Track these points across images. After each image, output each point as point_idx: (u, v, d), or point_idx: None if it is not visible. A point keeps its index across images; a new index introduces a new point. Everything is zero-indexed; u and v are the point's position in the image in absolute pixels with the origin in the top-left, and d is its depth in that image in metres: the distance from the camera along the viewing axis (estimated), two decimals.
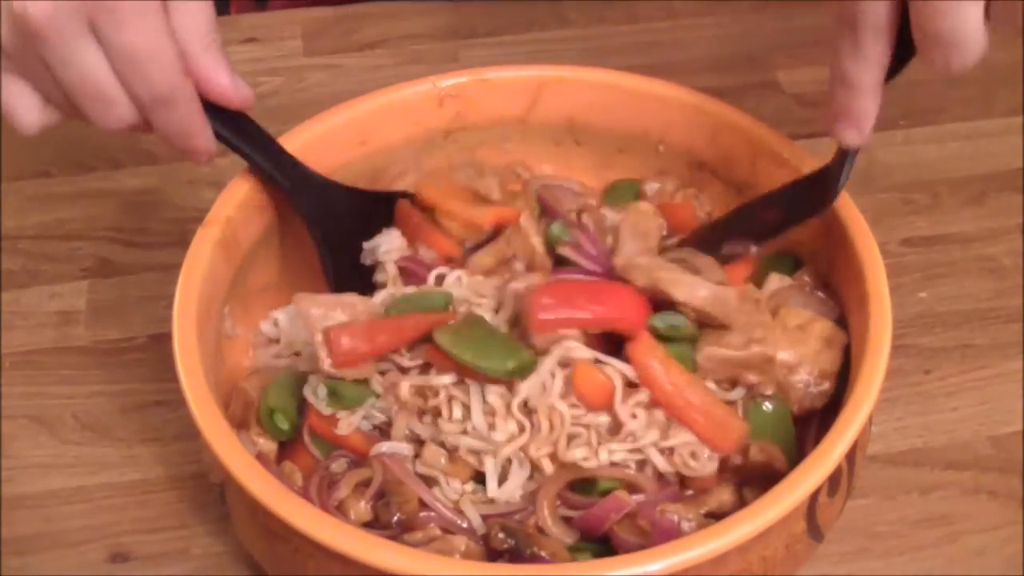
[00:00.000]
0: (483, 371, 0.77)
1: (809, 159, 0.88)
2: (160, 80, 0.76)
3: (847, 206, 0.84)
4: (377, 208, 0.93)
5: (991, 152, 1.15)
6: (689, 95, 0.94)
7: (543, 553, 0.74)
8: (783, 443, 0.81)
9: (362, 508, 0.79)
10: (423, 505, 0.78)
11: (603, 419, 0.79)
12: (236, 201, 0.87)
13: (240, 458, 0.72)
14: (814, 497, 0.73)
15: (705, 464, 0.78)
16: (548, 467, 0.78)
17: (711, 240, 0.90)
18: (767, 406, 0.82)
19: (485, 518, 0.78)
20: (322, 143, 0.92)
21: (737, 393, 0.83)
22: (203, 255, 0.83)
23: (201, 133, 0.81)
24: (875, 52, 0.76)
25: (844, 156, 0.82)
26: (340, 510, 0.79)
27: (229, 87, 0.81)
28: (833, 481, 0.74)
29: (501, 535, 0.75)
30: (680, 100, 0.94)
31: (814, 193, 0.85)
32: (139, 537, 0.88)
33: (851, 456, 0.76)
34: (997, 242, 1.07)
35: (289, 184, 0.88)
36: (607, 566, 0.68)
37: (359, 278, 0.90)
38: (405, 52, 1.28)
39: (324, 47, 1.29)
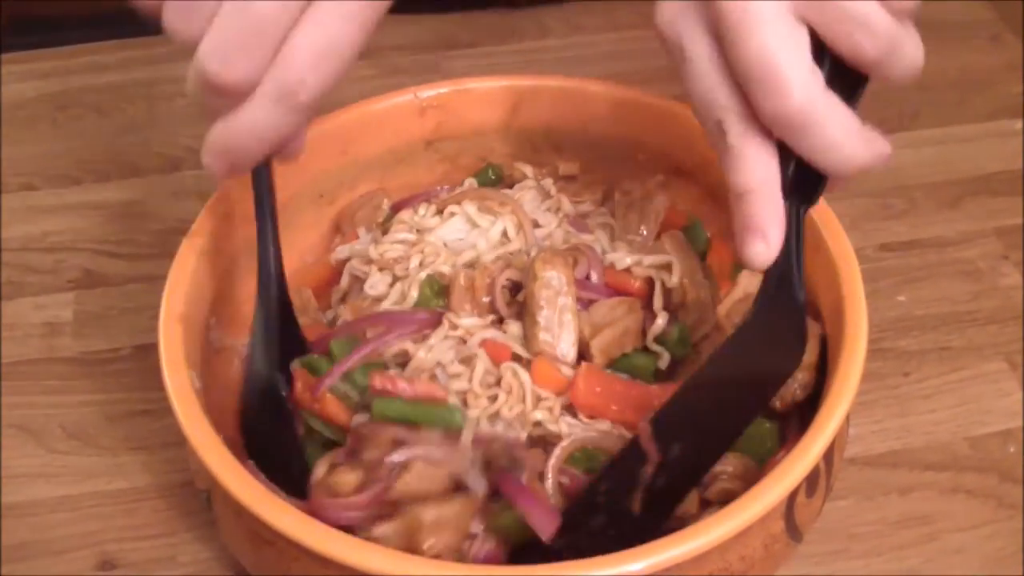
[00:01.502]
0: None
1: None
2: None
3: (823, 211, 0.85)
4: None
5: (966, 157, 1.16)
6: (665, 102, 0.95)
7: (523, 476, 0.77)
8: (769, 453, 0.82)
9: (348, 479, 0.79)
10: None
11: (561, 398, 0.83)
12: (221, 211, 0.88)
13: (226, 463, 0.73)
14: (792, 497, 0.73)
15: None
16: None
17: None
18: (754, 424, 0.84)
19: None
20: (304, 153, 0.93)
21: None
22: (188, 265, 0.84)
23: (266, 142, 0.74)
24: (751, 147, 0.69)
25: (774, 284, 0.73)
26: (324, 487, 0.79)
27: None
28: (811, 481, 0.75)
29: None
30: (657, 107, 0.95)
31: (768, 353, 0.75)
32: (126, 545, 0.89)
33: (829, 456, 0.77)
34: (973, 246, 1.08)
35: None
36: (588, 566, 0.69)
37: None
38: (387, 63, 1.29)
39: None
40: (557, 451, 0.81)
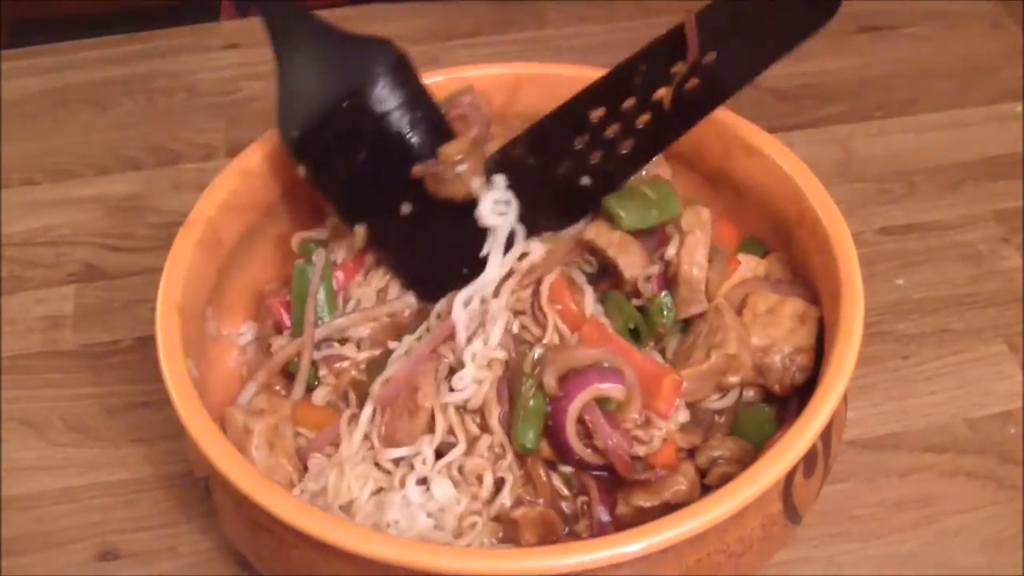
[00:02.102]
0: None
1: (781, 148, 0.89)
2: None
3: (819, 194, 0.85)
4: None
5: (965, 142, 1.16)
6: None
7: None
8: (767, 438, 0.82)
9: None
10: None
11: None
12: (218, 202, 0.88)
13: (224, 451, 0.73)
14: (789, 477, 0.74)
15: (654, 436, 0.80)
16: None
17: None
18: (753, 408, 0.85)
19: None
20: None
21: (731, 398, 0.85)
22: (185, 255, 0.84)
23: None
24: None
25: None
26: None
27: None
28: (808, 462, 0.75)
29: None
30: None
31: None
32: (128, 536, 0.89)
33: (826, 437, 0.77)
34: (972, 229, 1.08)
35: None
36: (588, 548, 0.69)
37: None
38: None
39: None
40: None
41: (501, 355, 0.82)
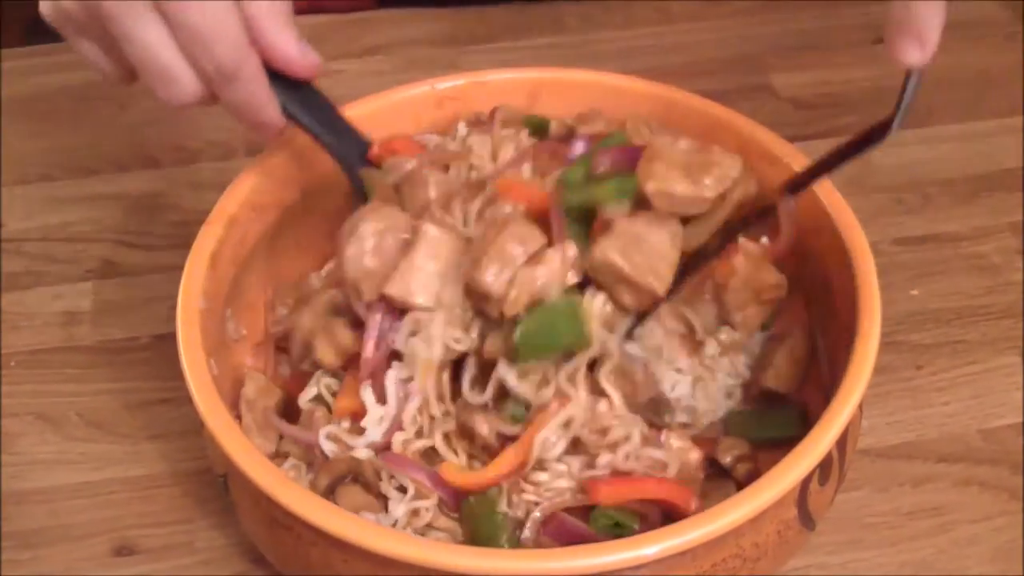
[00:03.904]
0: None
1: (801, 157, 0.89)
2: (225, 56, 0.76)
3: (838, 203, 0.86)
4: None
5: (981, 153, 1.17)
6: (680, 95, 0.95)
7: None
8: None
9: None
10: None
11: None
12: (239, 200, 0.88)
13: (243, 448, 0.74)
14: (805, 484, 0.74)
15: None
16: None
17: None
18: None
19: None
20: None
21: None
22: (206, 252, 0.85)
23: (267, 106, 0.81)
24: None
25: (907, 78, 0.71)
26: None
27: (295, 56, 0.81)
28: (824, 469, 0.76)
29: None
30: (672, 100, 0.95)
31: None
32: (144, 531, 0.90)
33: (842, 444, 0.78)
34: (987, 240, 1.08)
35: (349, 160, 0.89)
36: (604, 550, 0.69)
37: None
38: (405, 58, 1.30)
39: (325, 53, 1.28)
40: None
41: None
